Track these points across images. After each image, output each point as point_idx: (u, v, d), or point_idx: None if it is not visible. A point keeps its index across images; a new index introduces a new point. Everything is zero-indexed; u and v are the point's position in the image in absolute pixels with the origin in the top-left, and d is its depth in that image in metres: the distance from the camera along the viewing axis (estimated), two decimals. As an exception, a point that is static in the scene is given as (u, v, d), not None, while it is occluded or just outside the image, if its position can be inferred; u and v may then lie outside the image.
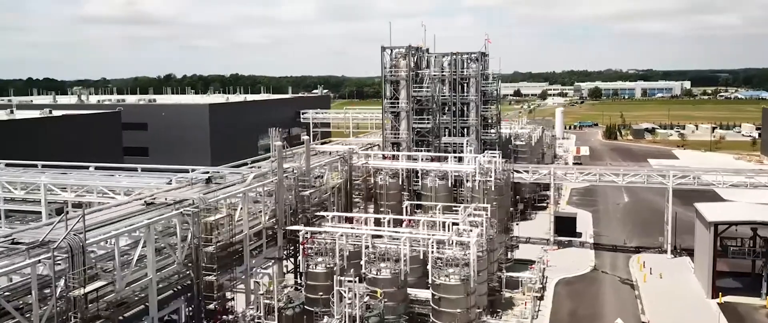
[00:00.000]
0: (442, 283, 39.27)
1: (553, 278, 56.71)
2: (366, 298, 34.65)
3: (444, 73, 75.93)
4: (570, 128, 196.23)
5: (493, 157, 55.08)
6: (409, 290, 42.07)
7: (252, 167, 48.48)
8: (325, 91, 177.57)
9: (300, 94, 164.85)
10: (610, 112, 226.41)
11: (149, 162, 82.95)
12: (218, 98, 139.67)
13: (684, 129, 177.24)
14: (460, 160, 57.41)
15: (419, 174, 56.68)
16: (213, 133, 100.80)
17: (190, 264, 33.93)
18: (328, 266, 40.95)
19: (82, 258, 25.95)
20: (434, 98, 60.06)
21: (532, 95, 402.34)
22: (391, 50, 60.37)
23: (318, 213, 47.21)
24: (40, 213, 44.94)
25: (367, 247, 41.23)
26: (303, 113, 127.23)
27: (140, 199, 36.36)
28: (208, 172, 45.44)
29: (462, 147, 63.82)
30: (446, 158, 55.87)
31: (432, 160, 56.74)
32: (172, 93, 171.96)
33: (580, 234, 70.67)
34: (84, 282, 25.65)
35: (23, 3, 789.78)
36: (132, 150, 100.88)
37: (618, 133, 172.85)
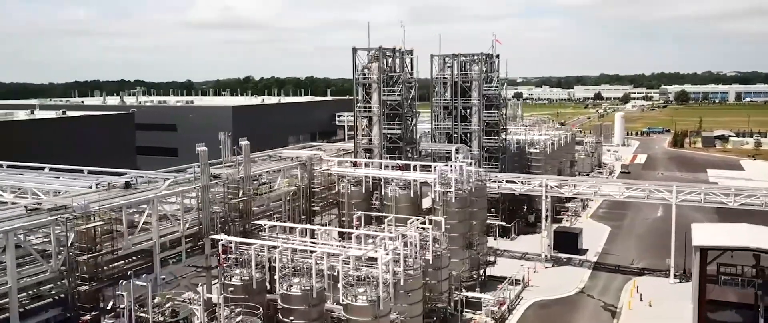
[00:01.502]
0: (348, 304, 36.33)
1: (528, 300, 51.95)
2: (240, 318, 32.35)
3: (446, 76, 72.45)
4: (637, 134, 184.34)
5: (463, 164, 51.17)
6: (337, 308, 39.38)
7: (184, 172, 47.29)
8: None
9: (340, 97, 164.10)
10: (690, 118, 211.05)
11: (178, 163, 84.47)
12: (253, 100, 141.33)
13: (765, 136, 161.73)
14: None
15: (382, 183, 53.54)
16: (236, 135, 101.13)
17: (65, 274, 32.89)
18: (243, 279, 39.07)
19: None
20: (407, 102, 56.65)
21: (613, 98, 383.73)
22: (369, 52, 57.58)
23: (256, 222, 45.37)
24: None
25: (282, 260, 38.91)
26: (338, 116, 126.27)
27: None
28: (141, 177, 44.71)
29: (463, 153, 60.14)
30: (410, 166, 52.37)
31: (400, 167, 53.45)
32: (248, 95, 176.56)
33: (584, 251, 64.92)
34: None
35: (131, 10, 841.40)
36: (162, 150, 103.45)
37: (686, 141, 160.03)
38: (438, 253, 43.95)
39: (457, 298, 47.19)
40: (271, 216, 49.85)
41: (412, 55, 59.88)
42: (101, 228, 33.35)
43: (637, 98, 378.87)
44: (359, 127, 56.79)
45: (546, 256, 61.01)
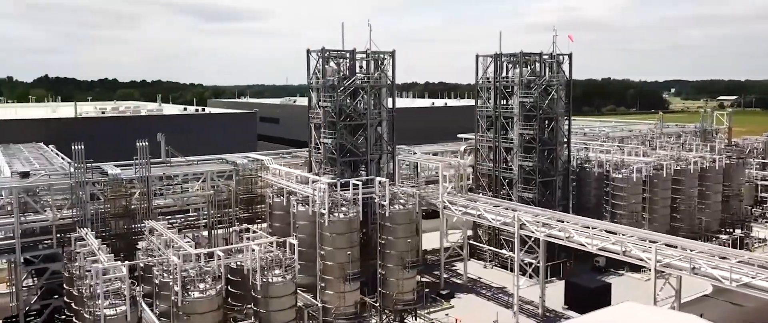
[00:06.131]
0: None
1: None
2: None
3: (489, 80, 62.38)
4: None
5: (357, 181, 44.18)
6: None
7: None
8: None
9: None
10: None
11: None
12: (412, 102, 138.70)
13: None
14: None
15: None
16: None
17: None
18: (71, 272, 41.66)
19: None
20: (351, 109, 50.73)
21: None
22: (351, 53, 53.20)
23: (144, 223, 46.89)
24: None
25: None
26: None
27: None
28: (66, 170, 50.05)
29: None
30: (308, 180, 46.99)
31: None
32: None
33: (604, 312, 49.33)
34: None
35: (475, 18, 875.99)
36: (302, 144, 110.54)
37: None
38: (272, 280, 39.50)
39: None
40: (186, 219, 51.02)
41: (393, 56, 53.48)
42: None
43: None
44: (312, 136, 53.18)
45: (519, 310, 48.48)
